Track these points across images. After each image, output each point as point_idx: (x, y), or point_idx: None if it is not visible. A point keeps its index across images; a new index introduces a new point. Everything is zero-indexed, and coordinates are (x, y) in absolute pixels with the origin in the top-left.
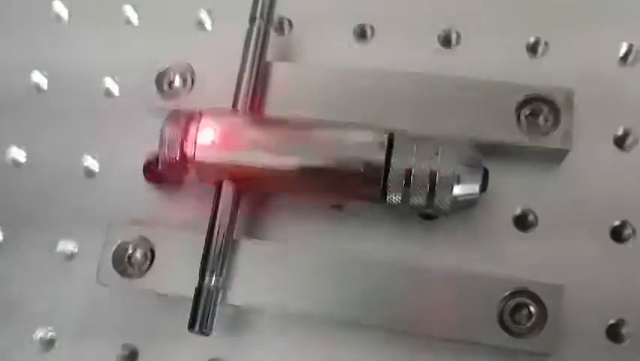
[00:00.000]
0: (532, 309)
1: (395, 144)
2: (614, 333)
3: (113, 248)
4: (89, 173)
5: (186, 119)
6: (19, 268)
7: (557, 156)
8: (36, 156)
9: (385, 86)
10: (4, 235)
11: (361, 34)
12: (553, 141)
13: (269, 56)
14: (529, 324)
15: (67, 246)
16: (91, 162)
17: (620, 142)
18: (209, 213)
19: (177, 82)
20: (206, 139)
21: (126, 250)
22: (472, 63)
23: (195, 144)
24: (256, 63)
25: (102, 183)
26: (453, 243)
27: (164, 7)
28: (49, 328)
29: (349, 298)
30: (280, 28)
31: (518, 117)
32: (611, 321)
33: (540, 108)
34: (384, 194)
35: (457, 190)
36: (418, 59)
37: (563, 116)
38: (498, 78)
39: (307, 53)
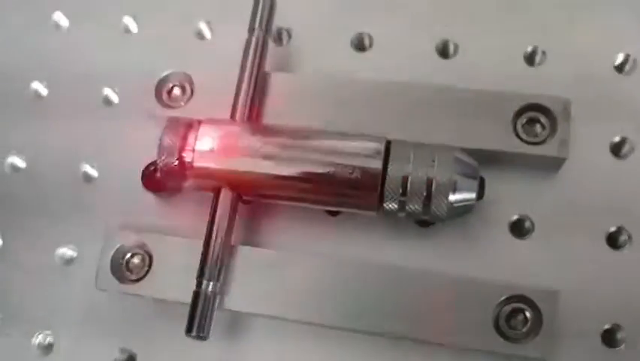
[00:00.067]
0: (527, 314)
1: (392, 151)
2: (609, 338)
3: (112, 253)
4: (88, 179)
5: (185, 127)
6: (18, 272)
7: (554, 164)
8: (35, 162)
9: (383, 96)
10: (3, 240)
11: (359, 44)
12: (550, 150)
13: (268, 66)
14: (524, 329)
15: (66, 251)
16: (90, 169)
17: (616, 150)
18: (206, 220)
19: (176, 91)
20: (205, 146)
21: (124, 255)
22: (469, 73)
23: (194, 151)
24: (254, 73)
25: (101, 189)
26: (449, 249)
27: (163, 17)
28: (48, 332)
29: (345, 305)
30: (279, 39)
31: (515, 126)
32: (607, 326)
33: (537, 117)
34: (381, 201)
35: (454, 198)
36: (416, 68)
37: (559, 125)
38: (496, 87)
39: (306, 63)
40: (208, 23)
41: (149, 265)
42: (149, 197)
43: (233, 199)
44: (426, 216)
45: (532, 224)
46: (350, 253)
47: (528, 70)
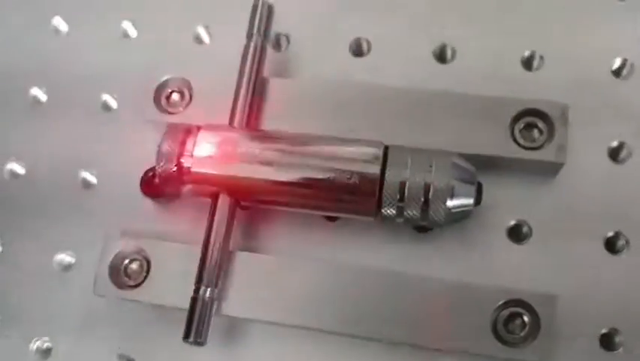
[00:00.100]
0: (525, 319)
1: (389, 157)
2: (607, 342)
3: (110, 259)
4: (87, 185)
5: (184, 133)
6: (17, 277)
7: (552, 169)
8: (34, 168)
9: (381, 101)
10: (2, 246)
11: (357, 49)
12: (547, 155)
13: (266, 71)
14: (522, 334)
15: (65, 257)
16: (88, 175)
17: (614, 155)
18: (205, 226)
19: (175, 97)
20: (203, 152)
21: (123, 261)
22: (467, 78)
23: (192, 157)
24: (253, 79)
25: (100, 195)
26: (447, 255)
27: (162, 22)
28: (46, 338)
29: (344, 310)
30: (277, 44)
31: (513, 131)
32: (604, 330)
33: (535, 122)
34: (379, 207)
35: (451, 203)
36: (414, 73)
37: (557, 130)
38: (493, 92)
39: (304, 68)
40: (206, 28)
41: (147, 271)
42: (148, 203)
43: (231, 205)
44: (424, 222)
45: (530, 229)
46: (348, 258)
47: (525, 75)
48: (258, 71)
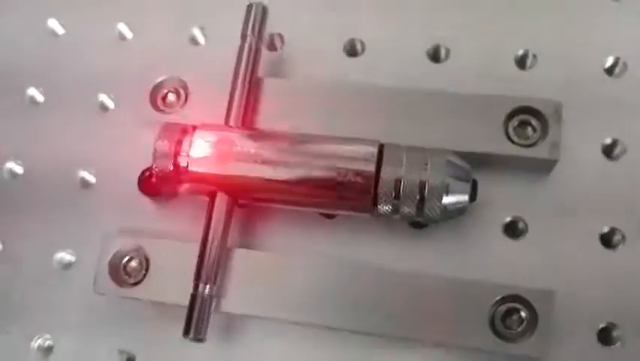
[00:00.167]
0: (523, 314)
1: (385, 154)
2: (605, 336)
3: (109, 257)
4: (85, 185)
5: (180, 132)
6: (18, 276)
7: (546, 166)
8: (33, 168)
9: (376, 101)
10: (2, 244)
11: (351, 49)
12: (541, 152)
13: (261, 72)
14: (520, 329)
15: (65, 255)
16: (87, 175)
17: (608, 151)
18: (203, 223)
19: (171, 97)
20: (200, 151)
21: (122, 259)
22: (461, 77)
23: (189, 156)
24: (248, 79)
25: (98, 194)
26: (444, 251)
27: (157, 24)
28: (47, 336)
29: (341, 306)
30: (272, 45)
31: (507, 128)
32: (602, 325)
33: (528, 120)
34: (375, 204)
35: (447, 200)
36: (408, 73)
37: (551, 128)
38: (487, 92)
39: (299, 68)
40: (202, 29)
41: (147, 269)
42: (146, 202)
43: (228, 203)
44: (419, 219)
45: (526, 225)
46: (345, 254)
47: (519, 73)
48: (253, 71)
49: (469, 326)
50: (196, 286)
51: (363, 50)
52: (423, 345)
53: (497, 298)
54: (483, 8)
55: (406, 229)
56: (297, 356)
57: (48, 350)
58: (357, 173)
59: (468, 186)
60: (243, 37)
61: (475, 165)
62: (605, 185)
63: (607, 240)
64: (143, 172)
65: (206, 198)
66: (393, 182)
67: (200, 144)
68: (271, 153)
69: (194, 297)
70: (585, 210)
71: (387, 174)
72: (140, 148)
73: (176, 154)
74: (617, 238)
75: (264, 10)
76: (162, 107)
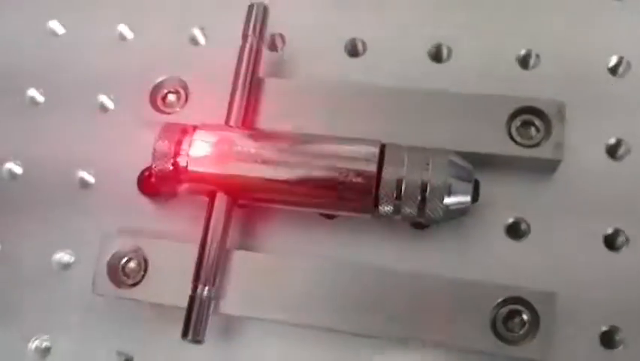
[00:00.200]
0: (525, 316)
1: (386, 155)
2: (607, 340)
3: (108, 258)
4: (85, 185)
5: (179, 132)
6: (16, 276)
7: (550, 166)
8: (32, 169)
9: (377, 101)
10: (1, 245)
11: (353, 49)
12: (544, 152)
13: (262, 72)
14: (522, 331)
15: (63, 256)
16: (86, 175)
17: (612, 152)
18: (202, 224)
19: (171, 97)
20: (200, 151)
21: (121, 260)
22: (463, 77)
23: (188, 156)
24: (249, 79)
25: (97, 194)
26: (445, 252)
27: (158, 24)
28: (45, 336)
29: (341, 307)
30: (273, 45)
31: (509, 129)
32: (605, 328)
33: (531, 120)
34: (377, 204)
35: (448, 201)
36: (410, 73)
37: (554, 128)
38: (489, 92)
39: (300, 69)
40: (202, 30)
41: (145, 270)
42: (145, 202)
43: (228, 203)
44: (421, 219)
45: (528, 226)
46: (346, 255)
47: (522, 73)
48: (254, 71)
49: (471, 328)
50: (195, 288)
51: (364, 50)
52: (424, 347)
53: (499, 300)
54: (485, 8)
55: (407, 230)
56: (297, 358)
57: (45, 351)
58: (359, 173)
59: (470, 187)
60: (244, 37)
61: (477, 166)
62: (609, 185)
63: (610, 241)
64: (143, 172)
65: (206, 199)
66: (395, 182)
67: (200, 144)
68: (271, 152)
69: (192, 298)
70: (589, 211)
71: (389, 174)
72: (140, 148)
73: (176, 154)
74: (620, 239)
75: (265, 10)
76: (162, 108)
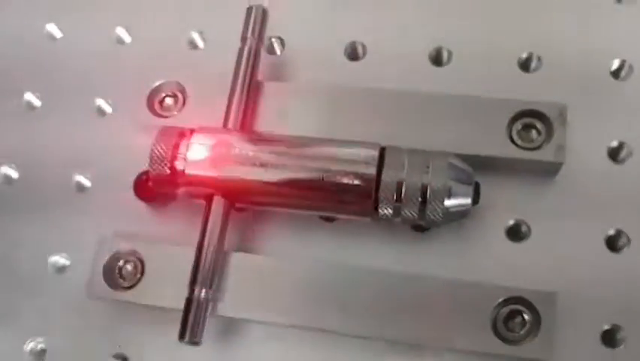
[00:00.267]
0: (526, 316)
1: (386, 157)
2: (608, 339)
3: (104, 261)
4: (81, 189)
5: (177, 136)
6: (12, 279)
7: (551, 169)
8: (29, 172)
9: (377, 104)
10: None
11: (352, 53)
12: (546, 155)
13: (261, 75)
14: (523, 331)
15: (59, 259)
16: (83, 179)
17: (614, 154)
18: (199, 227)
19: (168, 101)
20: (197, 154)
21: (117, 262)
22: (464, 81)
23: (186, 159)
24: (247, 82)
25: (94, 198)
26: (446, 254)
27: (156, 28)
28: (40, 339)
29: (340, 310)
30: (272, 49)
31: (510, 132)
32: (606, 327)
33: (533, 123)
34: (376, 207)
35: (449, 203)
36: (410, 77)
37: (556, 130)
38: (490, 95)
39: (299, 72)
40: (201, 34)
41: (142, 273)
42: (142, 206)
43: (225, 207)
44: (421, 222)
45: (529, 228)
46: (345, 258)
47: (524, 76)
48: (253, 74)
49: (472, 329)
50: (192, 291)
51: (364, 53)
52: (424, 348)
53: (500, 300)
54: (486, 10)
55: (407, 233)
56: (294, 360)
57: (41, 354)
58: (358, 176)
59: (470, 189)
60: (243, 40)
61: (478, 169)
62: (611, 188)
63: (612, 243)
64: (140, 176)
65: (203, 203)
66: (395, 185)
67: (197, 147)
68: (270, 155)
69: (189, 301)
70: (590, 214)
71: (389, 176)
72: (137, 152)
73: (173, 157)
74: (622, 241)
75: (264, 13)
76: (160, 111)
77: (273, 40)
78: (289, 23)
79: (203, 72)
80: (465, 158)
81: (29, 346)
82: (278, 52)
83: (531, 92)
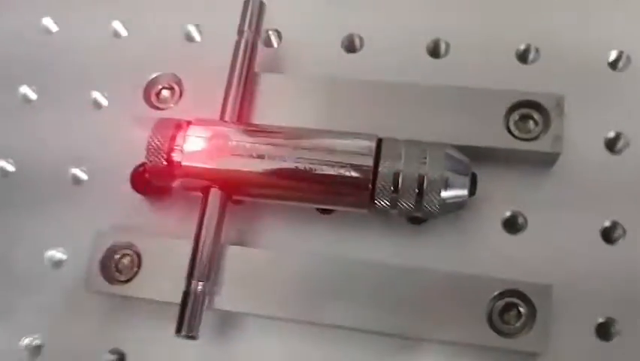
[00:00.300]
0: (521, 309)
1: (383, 149)
2: (603, 331)
3: (101, 255)
4: (77, 182)
5: (173, 128)
6: (8, 274)
7: (548, 159)
8: (25, 166)
9: (374, 96)
10: None
11: (350, 45)
12: (543, 145)
13: (258, 68)
14: (518, 324)
15: (55, 253)
16: (79, 172)
17: (611, 145)
18: (196, 220)
19: (165, 93)
20: (194, 146)
21: (113, 256)
22: (461, 73)
23: (182, 150)
24: (244, 74)
25: (90, 192)
26: (442, 246)
27: (152, 21)
28: (36, 335)
29: (337, 303)
30: (269, 41)
31: (507, 122)
32: (601, 320)
33: (530, 113)
34: (373, 199)
35: (446, 194)
36: (407, 68)
37: (553, 121)
38: (488, 86)
39: (296, 64)
40: (197, 27)
41: (139, 266)
42: (139, 199)
43: (222, 199)
44: (418, 213)
45: (526, 220)
46: (342, 251)
47: (521, 67)
48: (250, 66)
49: (467, 322)
50: (188, 284)
51: (361, 45)
52: (420, 340)
53: (495, 293)
54: (483, 2)
55: (404, 225)
56: (292, 353)
57: (37, 349)
58: (355, 167)
59: (467, 180)
60: (240, 32)
61: (475, 159)
62: (608, 179)
63: (607, 234)
64: (136, 168)
65: (200, 196)
66: (392, 176)
67: (194, 139)
68: (267, 147)
69: (186, 294)
70: (587, 205)
71: (386, 167)
72: (134, 145)
73: (170, 149)
74: (617, 232)
75: (262, 5)
76: (156, 104)
77: (270, 32)
78: (286, 16)
79: (199, 64)
80: (462, 149)
81: (25, 341)
82: (275, 44)
83: (529, 83)
